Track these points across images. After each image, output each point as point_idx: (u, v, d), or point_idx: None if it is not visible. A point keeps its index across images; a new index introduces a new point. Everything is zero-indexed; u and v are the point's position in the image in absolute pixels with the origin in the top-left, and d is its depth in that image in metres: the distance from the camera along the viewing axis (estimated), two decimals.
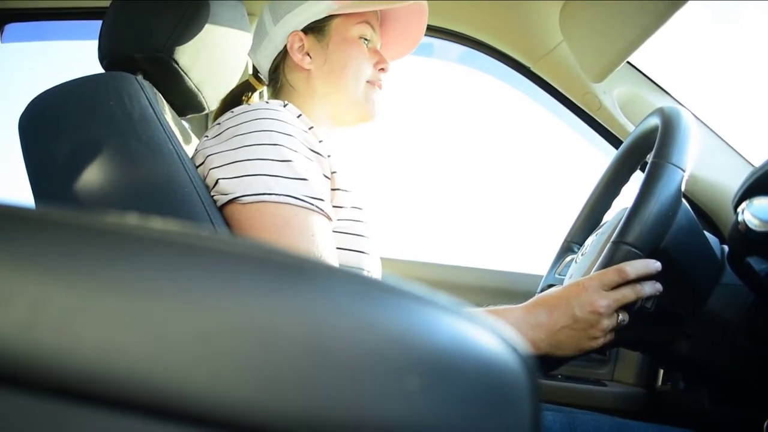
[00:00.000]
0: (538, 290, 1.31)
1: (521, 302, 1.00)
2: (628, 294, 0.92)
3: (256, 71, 1.24)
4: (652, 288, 0.94)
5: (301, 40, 1.15)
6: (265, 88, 1.26)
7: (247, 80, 1.25)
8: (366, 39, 1.17)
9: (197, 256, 0.28)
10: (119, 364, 0.25)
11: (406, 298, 0.29)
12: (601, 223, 1.28)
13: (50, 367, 0.25)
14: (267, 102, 1.01)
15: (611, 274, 0.92)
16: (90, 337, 0.25)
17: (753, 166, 1.54)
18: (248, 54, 1.24)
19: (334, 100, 1.15)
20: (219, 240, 0.29)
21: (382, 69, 1.18)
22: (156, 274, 0.27)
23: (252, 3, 1.52)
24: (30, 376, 0.25)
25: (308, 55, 1.15)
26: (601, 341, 0.93)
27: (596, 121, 1.67)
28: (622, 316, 0.93)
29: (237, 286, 0.27)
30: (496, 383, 0.30)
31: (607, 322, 0.92)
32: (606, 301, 0.92)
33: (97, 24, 1.11)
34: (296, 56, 1.15)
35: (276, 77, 1.18)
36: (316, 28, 1.15)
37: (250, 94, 1.23)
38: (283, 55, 1.17)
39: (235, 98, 1.21)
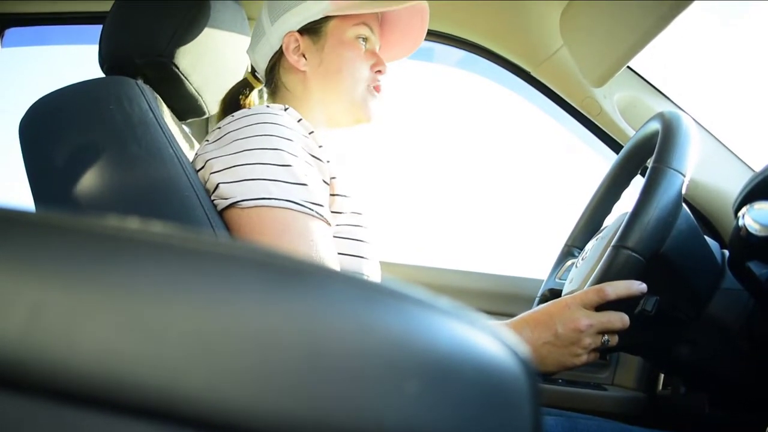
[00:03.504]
0: (539, 294, 1.31)
1: (522, 306, 1.01)
2: (613, 320, 0.93)
3: (254, 69, 1.24)
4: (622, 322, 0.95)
5: (297, 41, 1.15)
6: (263, 87, 1.26)
7: (245, 78, 1.24)
8: (364, 39, 1.17)
9: (197, 260, 0.27)
10: (119, 368, 0.25)
11: (406, 302, 0.29)
12: (602, 228, 1.28)
13: (50, 371, 0.25)
14: (268, 106, 1.01)
15: (592, 293, 0.94)
16: (90, 340, 0.25)
17: (753, 170, 1.54)
18: (246, 52, 1.24)
19: (329, 102, 1.15)
20: (219, 244, 0.29)
21: (379, 71, 1.18)
22: (156, 278, 0.26)
23: (252, 7, 1.52)
24: (30, 380, 0.25)
25: (303, 56, 1.15)
26: (583, 358, 0.94)
27: (597, 125, 1.68)
28: (607, 337, 0.94)
29: (237, 290, 0.27)
30: (497, 387, 0.30)
31: (589, 341, 0.93)
32: (588, 320, 0.93)
33: (97, 28, 1.11)
34: (291, 57, 1.14)
35: (272, 78, 1.18)
36: (312, 30, 1.15)
37: (247, 91, 1.23)
38: (279, 55, 1.17)
39: (234, 97, 1.21)
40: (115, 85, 0.96)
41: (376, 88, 1.17)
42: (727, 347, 1.01)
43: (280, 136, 0.94)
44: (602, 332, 0.94)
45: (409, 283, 0.30)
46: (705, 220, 1.60)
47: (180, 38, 1.05)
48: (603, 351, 0.96)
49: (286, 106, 1.03)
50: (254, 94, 1.25)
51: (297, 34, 1.15)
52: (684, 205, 0.99)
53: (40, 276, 0.26)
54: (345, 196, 1.02)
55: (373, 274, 1.06)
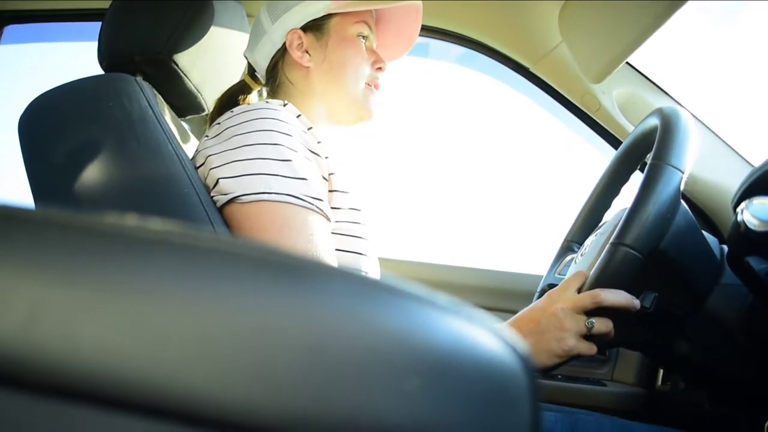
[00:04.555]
0: (538, 290, 1.31)
1: (521, 302, 1.02)
2: (584, 299, 0.94)
3: (252, 71, 1.24)
4: (605, 326, 0.95)
5: (300, 38, 1.15)
6: (262, 88, 1.26)
7: (243, 80, 1.25)
8: (364, 37, 1.17)
9: (196, 257, 0.28)
10: (119, 365, 0.25)
11: (405, 298, 0.29)
12: (601, 223, 1.28)
13: (50, 368, 0.25)
14: (267, 101, 1.01)
15: (587, 298, 0.94)
16: (90, 337, 0.25)
17: (752, 166, 1.54)
18: (244, 53, 1.24)
19: (332, 98, 1.15)
20: (218, 240, 0.29)
21: (380, 68, 1.19)
22: (155, 275, 0.27)
23: (251, 4, 1.52)
24: (30, 378, 0.25)
25: (307, 52, 1.15)
26: (570, 342, 0.93)
27: (596, 121, 1.68)
28: (592, 320, 0.94)
29: (236, 287, 0.27)
30: (496, 383, 0.30)
31: (570, 323, 0.93)
32: (562, 303, 0.95)
33: (96, 25, 1.11)
34: (295, 54, 1.15)
35: (274, 75, 1.18)
36: (314, 27, 1.16)
37: (245, 94, 1.23)
38: (282, 53, 1.17)
39: (231, 98, 1.21)
40: (115, 82, 0.96)
41: (375, 86, 1.18)
42: (726, 343, 1.01)
43: (280, 131, 0.95)
44: (579, 312, 0.94)
45: (408, 280, 0.30)
46: (704, 216, 1.60)
47: (179, 35, 1.05)
48: (597, 341, 0.95)
49: (285, 102, 1.03)
50: (252, 95, 1.25)
51: (300, 31, 1.15)
52: (682, 201, 0.99)
53: (40, 273, 0.26)
54: (344, 192, 1.02)
55: (372, 270, 1.06)
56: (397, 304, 0.29)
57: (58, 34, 1.97)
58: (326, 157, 1.00)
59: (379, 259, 1.13)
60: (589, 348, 0.94)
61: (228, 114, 1.01)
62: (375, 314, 0.28)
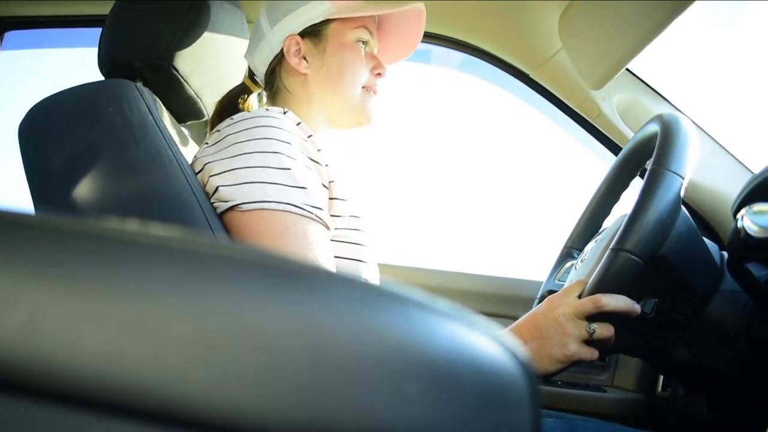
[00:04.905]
0: (538, 296, 1.31)
1: (521, 308, 1.02)
2: (585, 305, 0.94)
3: (251, 73, 1.24)
4: (607, 330, 0.95)
5: (298, 44, 1.15)
6: (262, 91, 1.26)
7: (243, 83, 1.24)
8: (363, 43, 1.17)
9: (197, 262, 0.28)
10: (119, 370, 0.25)
11: (405, 304, 0.29)
12: (601, 230, 1.28)
13: (50, 373, 0.25)
14: (267, 109, 1.01)
15: (588, 303, 0.93)
16: (90, 342, 0.25)
17: (752, 172, 1.54)
18: (244, 56, 1.24)
19: (330, 104, 1.15)
20: (218, 246, 0.29)
21: (379, 74, 1.18)
22: (155, 280, 0.27)
23: (251, 9, 1.52)
24: (30, 382, 0.25)
25: (305, 59, 1.15)
26: (572, 348, 0.93)
27: (596, 128, 1.68)
28: (594, 326, 0.93)
29: (237, 292, 0.27)
30: (497, 389, 0.30)
31: (572, 328, 0.93)
32: (562, 308, 0.94)
33: (96, 31, 1.11)
34: (293, 60, 1.14)
35: (272, 81, 1.18)
36: (313, 32, 1.15)
37: (246, 96, 1.23)
38: (280, 58, 1.17)
39: (231, 100, 1.21)
40: (115, 88, 0.96)
41: (374, 91, 1.17)
42: (726, 349, 1.01)
43: (279, 139, 0.95)
44: (580, 317, 0.94)
45: (408, 286, 0.30)
46: (704, 222, 1.60)
47: (179, 41, 1.05)
48: (598, 347, 0.95)
49: (285, 110, 1.03)
50: (252, 98, 1.25)
51: (298, 37, 1.15)
52: (683, 207, 0.99)
53: (40, 278, 0.26)
54: (344, 199, 1.02)
55: (372, 277, 1.06)
56: (398, 310, 0.29)
57: (58, 40, 1.97)
58: (326, 165, 1.00)
59: (379, 264, 1.13)
60: (591, 353, 0.94)
61: (228, 121, 1.01)
62: (375, 320, 0.28)
